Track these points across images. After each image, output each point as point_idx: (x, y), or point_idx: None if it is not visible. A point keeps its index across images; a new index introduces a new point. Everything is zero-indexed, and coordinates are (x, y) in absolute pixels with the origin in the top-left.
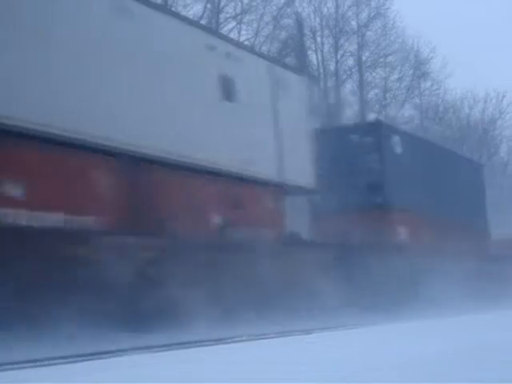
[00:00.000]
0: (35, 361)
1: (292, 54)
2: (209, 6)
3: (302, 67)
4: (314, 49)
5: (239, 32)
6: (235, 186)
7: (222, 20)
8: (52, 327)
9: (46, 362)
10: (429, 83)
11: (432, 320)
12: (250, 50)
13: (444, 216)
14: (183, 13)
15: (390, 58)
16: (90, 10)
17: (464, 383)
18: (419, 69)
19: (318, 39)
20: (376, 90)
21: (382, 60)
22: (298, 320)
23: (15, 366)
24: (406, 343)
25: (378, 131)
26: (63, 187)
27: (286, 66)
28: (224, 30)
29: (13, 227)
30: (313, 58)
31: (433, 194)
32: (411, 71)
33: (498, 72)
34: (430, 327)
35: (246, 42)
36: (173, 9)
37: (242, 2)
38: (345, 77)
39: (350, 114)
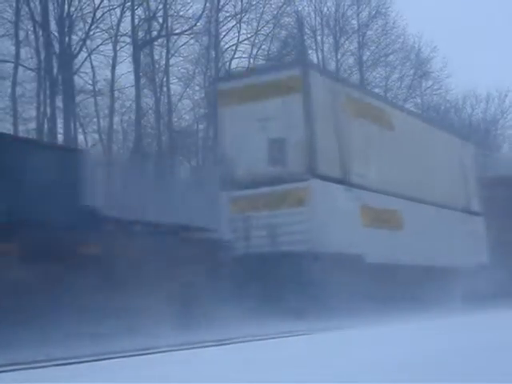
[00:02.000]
0: (36, 361)
1: (292, 53)
2: (208, 4)
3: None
4: (314, 48)
5: (239, 31)
6: None
7: (221, 19)
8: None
9: (46, 363)
10: (430, 83)
11: (432, 321)
12: None
13: None
14: (182, 12)
15: (390, 58)
16: None
17: (464, 383)
18: (420, 68)
19: (319, 38)
20: (377, 90)
21: (382, 59)
22: None
23: (15, 366)
24: (406, 344)
25: None
26: None
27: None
28: (224, 29)
29: None
30: (313, 57)
31: None
32: (412, 71)
33: (500, 72)
34: (430, 328)
35: (246, 41)
36: (172, 8)
37: (241, 1)
38: (345, 76)
39: None
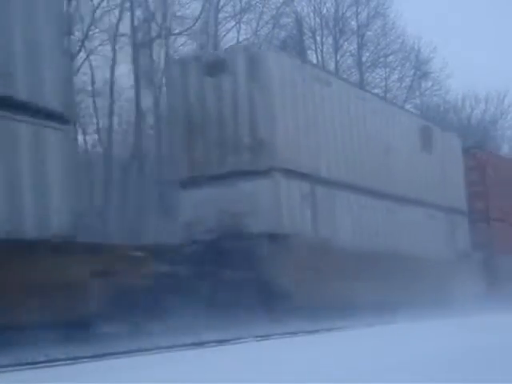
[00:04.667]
0: (35, 362)
1: (291, 53)
2: (207, 5)
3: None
4: (313, 48)
5: (238, 31)
6: None
7: (220, 19)
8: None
9: (46, 364)
10: (429, 83)
11: (433, 321)
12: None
13: None
14: (181, 12)
15: (390, 58)
16: None
17: (463, 383)
18: (420, 69)
19: (318, 39)
20: (376, 90)
21: (382, 60)
22: None
23: (15, 366)
24: (406, 344)
25: None
26: None
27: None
28: (223, 30)
29: None
30: (312, 57)
31: None
32: (412, 71)
33: (499, 72)
34: (432, 328)
35: (245, 42)
36: (171, 8)
37: (241, 1)
38: (345, 77)
39: None
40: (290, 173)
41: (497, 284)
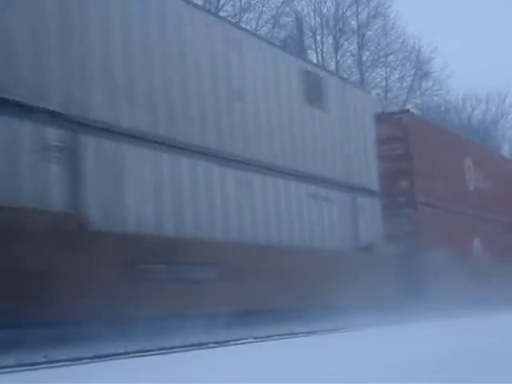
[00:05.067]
0: (35, 363)
1: (291, 53)
2: (207, 4)
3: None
4: (313, 48)
5: None
6: None
7: None
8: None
9: (46, 364)
10: (430, 83)
11: (431, 322)
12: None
13: None
14: None
15: (390, 58)
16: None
17: (464, 383)
18: (420, 69)
19: (318, 38)
20: (377, 90)
21: (382, 60)
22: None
23: (15, 367)
24: (406, 345)
25: None
26: None
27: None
28: None
29: None
30: (312, 57)
31: None
32: (412, 71)
33: (500, 72)
34: (430, 329)
35: None
36: None
37: (240, 1)
38: (345, 76)
39: None
40: (15, 108)
41: (418, 285)
